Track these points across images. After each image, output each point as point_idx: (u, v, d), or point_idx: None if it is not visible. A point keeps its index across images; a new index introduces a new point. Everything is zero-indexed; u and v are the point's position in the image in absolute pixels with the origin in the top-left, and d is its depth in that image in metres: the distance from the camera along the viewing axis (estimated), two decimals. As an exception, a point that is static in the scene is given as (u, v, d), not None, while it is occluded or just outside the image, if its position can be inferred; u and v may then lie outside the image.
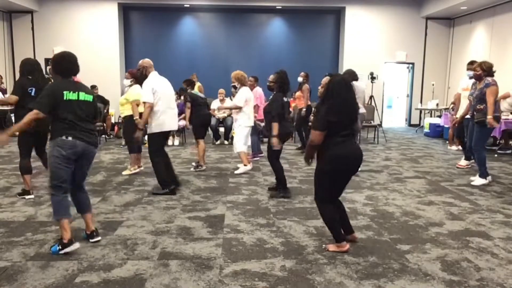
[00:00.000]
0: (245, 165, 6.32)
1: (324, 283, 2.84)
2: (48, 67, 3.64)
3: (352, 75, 6.49)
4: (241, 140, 6.26)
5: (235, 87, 6.32)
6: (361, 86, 6.64)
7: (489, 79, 5.60)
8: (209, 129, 9.68)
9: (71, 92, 3.34)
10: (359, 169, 6.53)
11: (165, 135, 5.24)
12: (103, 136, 9.67)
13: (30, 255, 3.25)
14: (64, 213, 3.32)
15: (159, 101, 4.97)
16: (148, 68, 5.10)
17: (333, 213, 3.41)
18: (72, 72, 3.47)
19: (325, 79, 3.45)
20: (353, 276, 2.95)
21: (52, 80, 3.77)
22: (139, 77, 5.41)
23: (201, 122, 6.63)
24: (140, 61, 5.24)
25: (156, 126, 5.01)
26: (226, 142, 9.50)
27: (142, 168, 6.30)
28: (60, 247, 3.28)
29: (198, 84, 11.37)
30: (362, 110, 6.43)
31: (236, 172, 6.33)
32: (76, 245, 3.32)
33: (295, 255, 3.30)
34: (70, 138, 3.28)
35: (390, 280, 2.90)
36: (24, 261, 3.13)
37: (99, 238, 3.58)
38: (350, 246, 3.46)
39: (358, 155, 3.36)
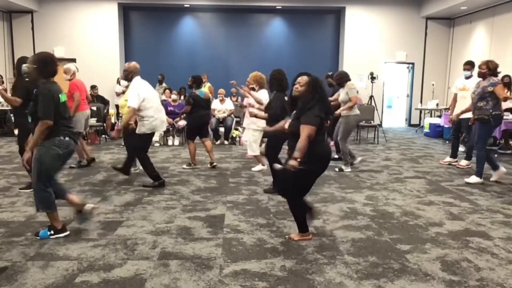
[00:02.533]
0: (262, 165, 6.48)
1: (324, 283, 2.84)
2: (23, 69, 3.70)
3: (344, 76, 6.58)
4: (251, 145, 6.28)
5: (253, 89, 6.13)
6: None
7: (495, 78, 5.63)
8: (209, 129, 9.68)
9: (62, 94, 3.56)
10: (359, 169, 6.67)
11: (152, 135, 5.57)
12: (103, 136, 9.67)
13: (30, 255, 3.25)
14: (54, 207, 3.55)
15: (150, 108, 5.23)
16: (134, 73, 5.27)
17: (305, 207, 3.61)
18: (56, 73, 3.61)
19: (304, 78, 3.47)
20: (353, 276, 2.95)
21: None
22: (124, 79, 5.52)
23: (198, 123, 6.66)
24: (127, 65, 5.36)
25: (148, 129, 5.30)
26: (226, 142, 9.49)
27: (139, 169, 6.28)
28: (52, 232, 3.56)
29: (208, 84, 11.37)
30: (356, 111, 6.51)
31: (252, 169, 6.50)
32: (67, 233, 3.62)
33: (295, 255, 3.30)
34: (67, 139, 3.50)
35: (390, 280, 2.90)
36: (24, 261, 3.13)
37: (93, 205, 3.86)
38: (350, 246, 3.47)
39: (330, 153, 3.55)
